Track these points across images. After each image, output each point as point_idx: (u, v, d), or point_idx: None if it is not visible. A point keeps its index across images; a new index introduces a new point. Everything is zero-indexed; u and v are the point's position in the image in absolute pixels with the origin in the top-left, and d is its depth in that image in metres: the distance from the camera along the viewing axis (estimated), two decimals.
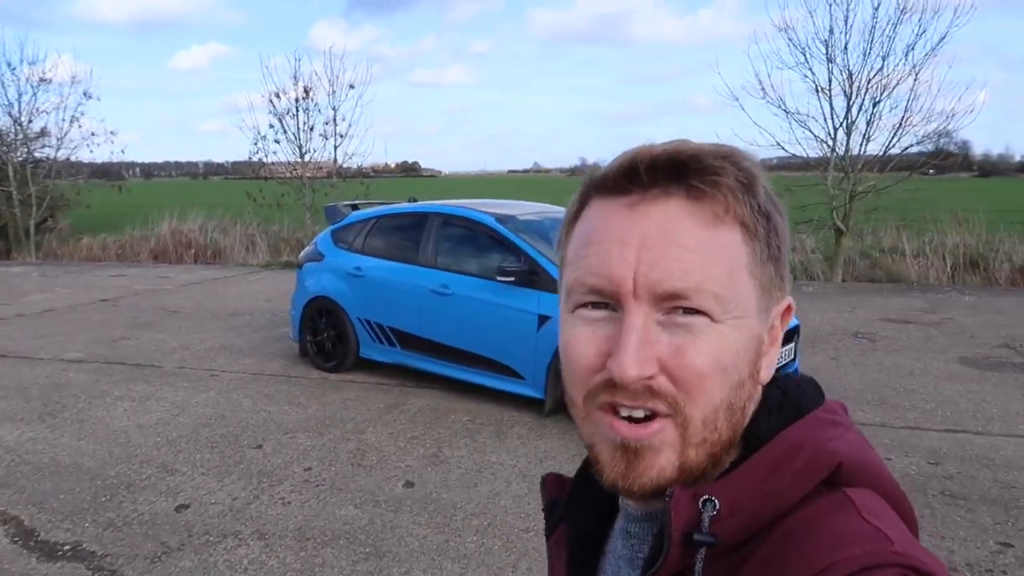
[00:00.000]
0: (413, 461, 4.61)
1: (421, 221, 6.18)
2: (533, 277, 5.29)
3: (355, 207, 7.05)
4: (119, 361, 7.04)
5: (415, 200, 6.96)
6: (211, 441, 4.98)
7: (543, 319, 5.15)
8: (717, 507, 0.58)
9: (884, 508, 0.58)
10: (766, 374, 0.64)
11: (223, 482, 4.33)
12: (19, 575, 3.36)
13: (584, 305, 0.62)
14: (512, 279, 5.27)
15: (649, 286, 0.58)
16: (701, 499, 0.58)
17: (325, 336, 6.56)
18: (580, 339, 0.62)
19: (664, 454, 0.60)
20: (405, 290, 5.95)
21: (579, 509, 0.76)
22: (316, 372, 6.57)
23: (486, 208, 6.08)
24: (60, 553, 3.55)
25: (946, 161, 13.17)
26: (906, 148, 12.06)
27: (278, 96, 15.65)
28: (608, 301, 0.60)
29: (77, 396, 5.96)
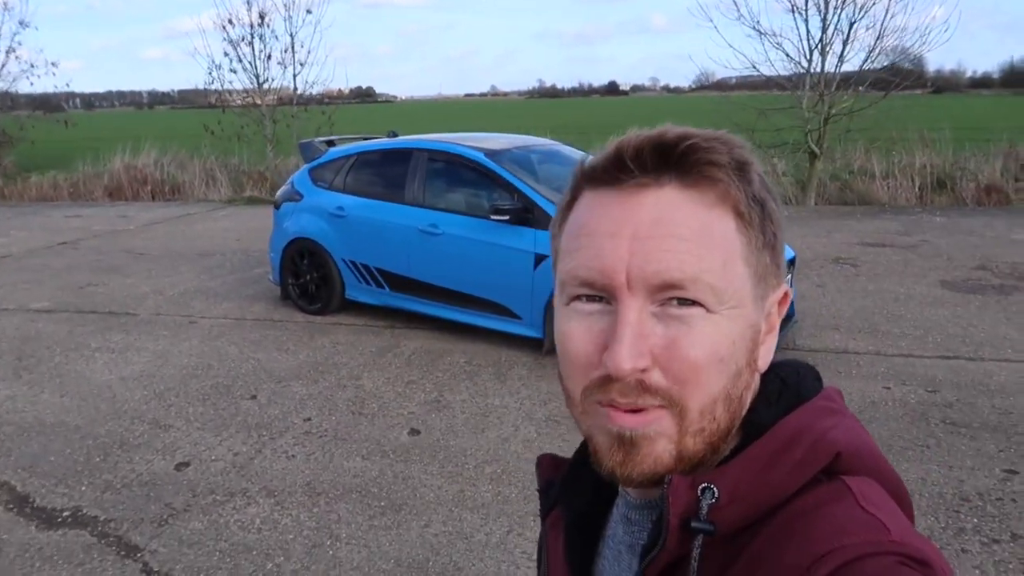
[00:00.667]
0: (415, 407, 4.52)
1: (405, 158, 5.93)
2: (527, 215, 5.13)
3: (331, 143, 6.74)
4: (90, 309, 6.76)
5: (395, 135, 6.68)
6: (201, 393, 4.82)
7: (539, 258, 5.02)
8: (716, 495, 0.58)
9: (882, 497, 0.57)
10: (764, 362, 0.64)
11: (221, 437, 4.20)
12: (19, 545, 3.23)
13: (578, 298, 0.61)
14: (506, 217, 5.10)
15: (643, 278, 0.57)
16: (700, 487, 0.58)
17: (308, 278, 6.35)
18: (575, 334, 0.61)
19: (660, 443, 0.59)
20: (392, 230, 5.75)
21: (576, 492, 0.76)
22: (301, 315, 6.39)
23: (472, 143, 5.84)
24: (59, 520, 3.42)
25: (917, 80, 13.13)
26: (881, 67, 11.97)
27: (231, 23, 14.84)
28: (602, 294, 0.60)
29: (51, 349, 5.71)
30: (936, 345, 5.30)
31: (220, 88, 15.60)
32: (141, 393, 4.84)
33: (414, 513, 3.39)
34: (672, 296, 0.58)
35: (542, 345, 5.20)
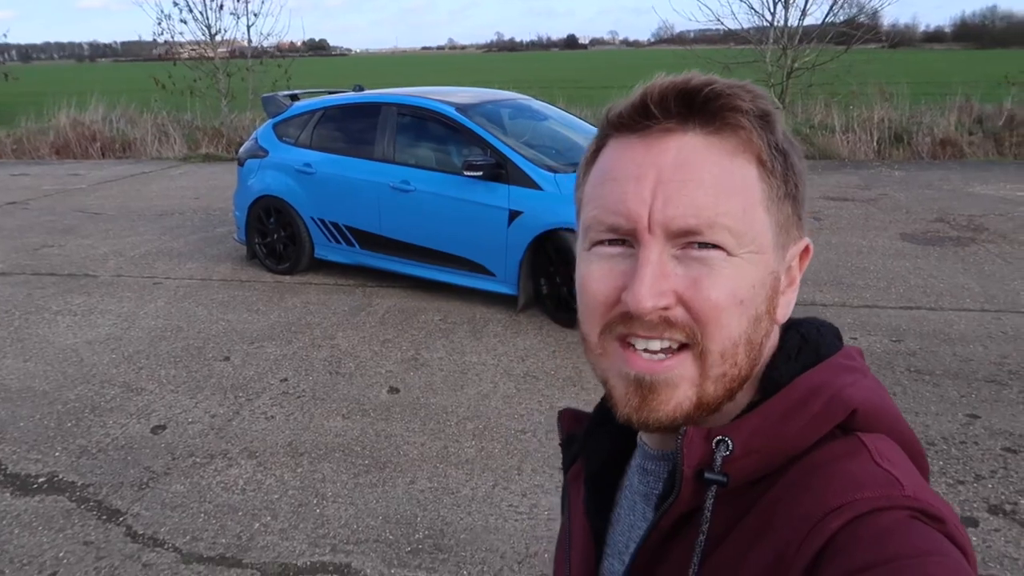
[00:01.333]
0: (392, 366, 4.51)
1: (374, 113, 5.80)
2: (500, 171, 5.08)
3: (295, 98, 6.56)
4: (48, 272, 6.56)
5: (361, 89, 6.53)
6: (172, 355, 4.73)
7: (514, 214, 4.99)
8: (730, 447, 0.59)
9: (897, 453, 0.58)
10: (783, 313, 0.65)
11: (196, 399, 4.14)
12: None
13: (601, 242, 0.62)
14: (479, 173, 5.05)
15: (664, 221, 0.58)
16: (715, 439, 0.59)
17: (276, 237, 6.23)
18: (596, 275, 0.62)
19: (681, 388, 0.60)
20: (362, 187, 5.66)
21: (597, 445, 0.77)
22: (269, 275, 6.29)
23: (441, 97, 5.74)
24: (35, 486, 3.36)
25: (873, 34, 13.25)
26: (842, 21, 12.04)
27: None
28: (625, 238, 0.61)
29: (11, 312, 5.54)
30: (899, 296, 5.45)
31: (170, 40, 15.01)
32: (109, 356, 4.73)
33: (399, 470, 3.41)
34: (692, 240, 0.59)
35: (516, 302, 5.21)
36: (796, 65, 11.86)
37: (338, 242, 5.96)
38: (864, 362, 0.65)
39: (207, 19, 14.69)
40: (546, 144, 5.68)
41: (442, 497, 3.20)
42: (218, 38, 14.94)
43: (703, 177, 0.59)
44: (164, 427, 3.85)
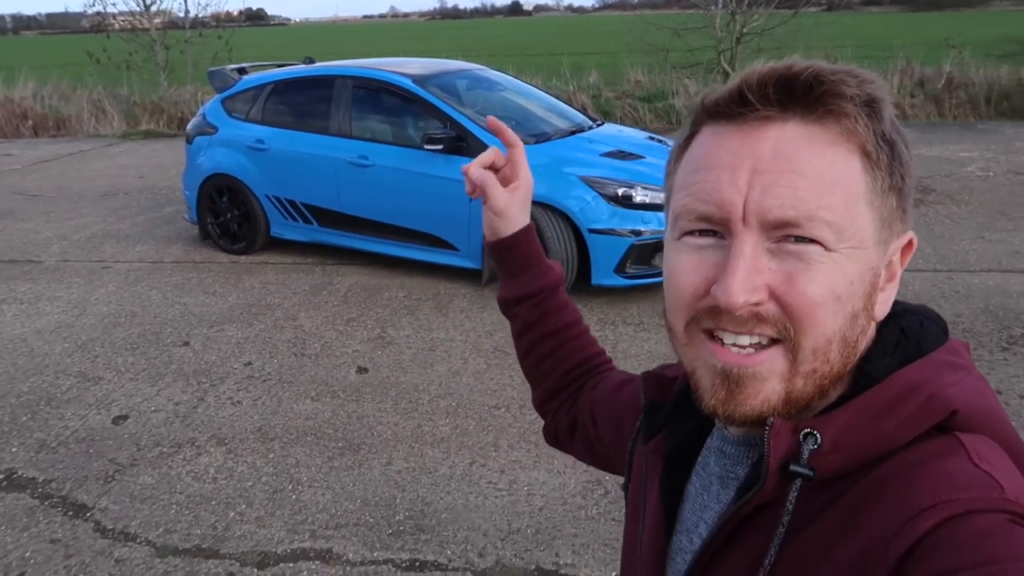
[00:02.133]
0: (359, 345, 4.44)
1: (328, 86, 5.64)
2: (461, 143, 5.01)
3: (243, 71, 6.34)
4: None
5: (312, 61, 6.34)
6: (129, 342, 4.58)
7: None
8: (819, 441, 0.57)
9: (999, 455, 0.55)
10: (881, 310, 0.62)
11: (158, 386, 4.03)
12: None
13: (691, 232, 0.60)
14: (440, 147, 4.97)
15: (760, 213, 0.56)
16: (802, 432, 0.58)
17: (229, 216, 6.06)
18: (686, 265, 0.60)
19: (770, 383, 0.59)
20: (319, 163, 5.51)
21: (681, 422, 0.75)
22: (224, 256, 6.12)
23: (395, 68, 5.61)
24: None
25: None
26: None
27: None
28: (717, 228, 0.59)
29: None
30: None
31: (102, 11, 14.35)
32: (62, 346, 4.56)
33: (374, 452, 3.37)
34: (788, 233, 0.56)
35: (480, 276, 5.17)
36: (745, 30, 11.92)
37: (295, 220, 5.82)
38: (970, 358, 0.62)
39: None
40: (504, 115, 5.61)
41: (420, 477, 3.18)
42: (153, 8, 14.35)
43: (803, 168, 0.56)
44: (126, 417, 3.73)
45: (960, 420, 0.56)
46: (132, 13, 14.50)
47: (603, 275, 4.68)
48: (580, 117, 6.02)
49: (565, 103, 6.53)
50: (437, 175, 5.06)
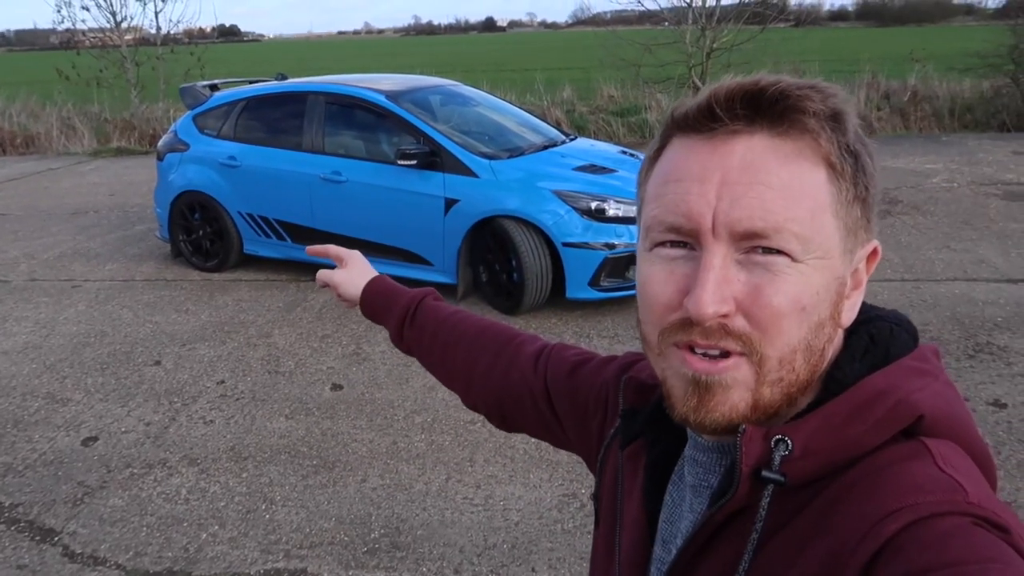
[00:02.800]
0: (333, 362, 4.42)
1: (300, 102, 5.63)
2: (434, 159, 5.01)
3: (215, 88, 6.31)
4: None
5: (285, 78, 6.33)
6: (99, 362, 4.52)
7: (450, 203, 4.94)
8: (790, 447, 0.58)
9: (963, 459, 0.57)
10: (847, 317, 0.63)
11: (128, 407, 3.97)
12: None
13: (662, 243, 0.62)
14: (413, 162, 4.97)
15: (728, 224, 0.57)
16: (773, 438, 0.58)
17: (201, 234, 6.00)
18: (657, 277, 0.62)
19: (736, 391, 0.60)
20: (292, 179, 5.49)
21: (659, 435, 0.76)
22: (196, 273, 6.06)
23: (369, 84, 5.62)
24: None
25: (782, 14, 13.65)
26: (754, 1, 12.34)
27: None
28: (687, 239, 0.60)
29: None
30: None
31: (72, 27, 14.20)
32: (29, 367, 4.48)
33: (348, 469, 3.35)
34: (756, 244, 0.58)
35: (456, 291, 5.17)
36: (715, 45, 12.10)
37: (268, 236, 5.78)
38: (939, 363, 0.63)
39: (111, 5, 13.96)
40: (478, 130, 5.64)
41: (395, 494, 3.16)
42: (124, 25, 14.23)
43: (771, 180, 0.57)
44: (96, 438, 3.67)
45: (927, 425, 0.58)
46: (102, 30, 14.37)
47: (577, 288, 4.70)
48: (553, 132, 6.06)
49: (539, 118, 6.57)
50: (410, 190, 5.07)
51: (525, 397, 1.01)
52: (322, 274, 1.24)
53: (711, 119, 0.59)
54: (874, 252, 0.66)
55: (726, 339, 0.59)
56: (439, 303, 1.16)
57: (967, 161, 9.41)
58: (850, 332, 0.64)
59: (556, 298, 4.87)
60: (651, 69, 12.51)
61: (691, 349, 0.60)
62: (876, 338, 0.64)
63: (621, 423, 0.79)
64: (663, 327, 0.62)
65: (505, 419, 1.07)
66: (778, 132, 0.58)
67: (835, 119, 0.59)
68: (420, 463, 3.38)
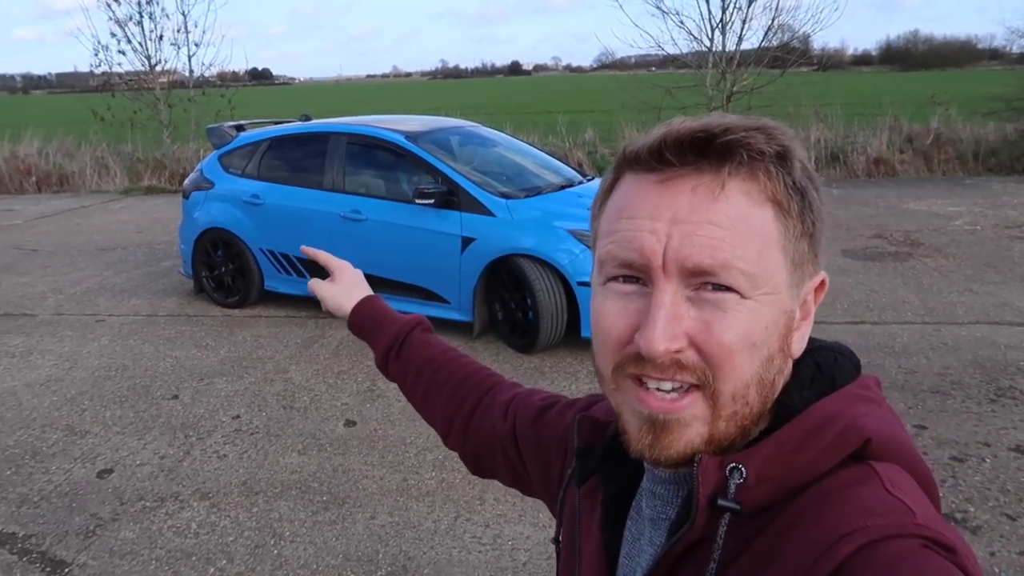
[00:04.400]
0: (348, 398, 4.44)
1: (322, 142, 5.76)
2: (452, 198, 5.08)
3: (241, 128, 6.47)
4: None
5: (309, 118, 6.48)
6: (118, 395, 4.58)
7: (467, 241, 5.00)
8: (744, 475, 0.59)
9: (909, 483, 0.59)
10: (797, 348, 0.65)
11: (144, 440, 4.01)
12: None
13: (615, 278, 0.63)
14: (431, 201, 5.04)
15: (678, 261, 0.59)
16: (728, 467, 0.60)
17: (223, 270, 6.11)
18: (610, 312, 0.63)
19: (693, 427, 0.61)
20: (312, 217, 5.59)
21: (616, 468, 0.76)
22: (217, 309, 6.15)
23: (390, 125, 5.74)
24: None
25: (805, 58, 13.75)
26: (776, 46, 12.46)
27: (116, 0, 13.96)
28: (639, 275, 0.61)
29: None
30: (843, 311, 5.60)
31: (108, 71, 14.68)
32: (50, 399, 4.55)
33: (358, 505, 3.34)
34: (706, 281, 0.59)
35: (472, 329, 5.20)
36: (735, 89, 12.20)
37: (288, 273, 5.87)
38: (880, 392, 0.66)
39: (146, 50, 14.43)
40: (496, 170, 5.71)
41: (404, 531, 3.15)
42: (158, 68, 14.68)
43: (719, 219, 0.59)
44: (111, 471, 3.71)
45: (873, 449, 0.59)
46: (137, 73, 14.83)
47: None
48: (570, 172, 6.13)
49: (558, 159, 6.65)
50: (428, 228, 5.13)
51: (495, 444, 1.02)
52: (313, 284, 1.27)
53: (660, 160, 0.61)
54: (822, 284, 0.68)
55: (681, 372, 0.60)
56: (427, 336, 1.16)
57: (991, 204, 9.33)
58: (797, 361, 0.66)
59: (571, 337, 4.87)
60: (672, 112, 12.62)
61: (643, 383, 0.62)
62: (822, 366, 0.66)
63: (576, 461, 0.80)
64: (617, 361, 0.63)
65: (479, 465, 1.08)
66: (726, 172, 0.60)
67: (781, 158, 0.61)
68: (430, 500, 3.36)
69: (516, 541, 3.04)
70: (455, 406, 1.07)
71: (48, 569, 2.98)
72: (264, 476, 3.61)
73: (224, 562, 2.98)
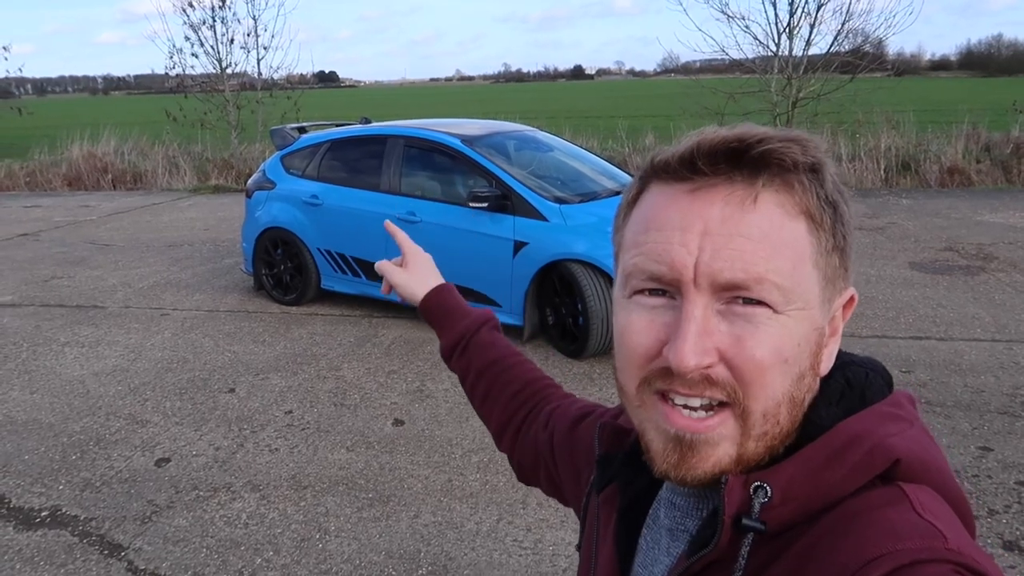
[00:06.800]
0: (397, 398, 4.49)
1: (380, 144, 5.85)
2: (506, 202, 5.10)
3: (303, 130, 6.63)
4: (57, 303, 6.59)
5: (368, 121, 6.59)
6: (178, 387, 4.73)
7: (519, 245, 5.00)
8: (769, 494, 0.58)
9: (940, 505, 0.57)
10: (826, 366, 0.63)
11: (201, 431, 4.13)
12: None
13: (642, 291, 0.61)
14: (485, 204, 5.07)
15: (710, 275, 0.57)
16: (752, 485, 0.58)
17: (282, 268, 6.26)
18: (637, 326, 0.61)
19: (722, 447, 0.60)
20: (368, 218, 5.68)
21: (632, 478, 0.75)
22: (275, 306, 6.30)
23: (447, 129, 5.79)
24: (38, 520, 3.34)
25: (879, 63, 13.33)
26: (846, 51, 12.13)
27: (192, 5, 14.48)
28: (667, 288, 0.60)
29: (19, 344, 5.56)
30: (908, 326, 5.41)
31: (182, 73, 15.23)
32: (115, 388, 4.74)
33: (403, 504, 3.38)
34: (737, 295, 0.57)
35: (522, 332, 5.20)
36: (801, 95, 11.92)
37: (344, 273, 5.98)
38: (914, 410, 0.64)
39: (218, 53, 14.91)
40: (551, 175, 5.71)
41: (446, 531, 3.16)
42: (228, 71, 15.15)
43: (751, 232, 0.57)
44: (168, 460, 3.83)
45: (903, 470, 0.58)
46: (209, 75, 15.33)
47: None
48: (627, 177, 6.07)
49: (616, 165, 6.60)
50: (481, 232, 5.16)
51: (537, 454, 1.03)
52: (382, 266, 1.22)
53: (691, 170, 0.60)
54: (851, 300, 0.66)
55: (711, 388, 0.58)
56: (493, 335, 1.15)
57: None
58: (826, 376, 0.64)
59: None
60: (735, 117, 12.40)
61: (667, 398, 0.60)
62: (852, 382, 0.64)
63: (596, 469, 0.79)
64: (643, 376, 0.61)
65: (524, 473, 1.09)
66: (759, 184, 0.59)
67: (814, 171, 0.60)
68: (473, 502, 3.37)
69: (557, 547, 3.02)
70: (510, 413, 1.08)
71: (106, 552, 3.09)
72: (313, 471, 3.68)
73: (271, 553, 3.04)
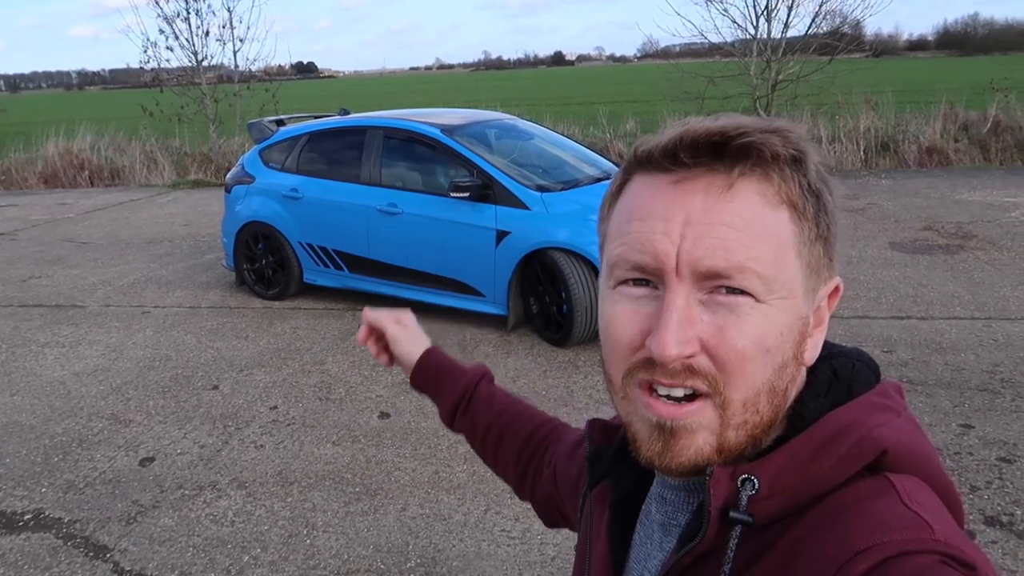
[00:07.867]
0: (383, 391, 4.48)
1: (359, 136, 5.80)
2: (487, 191, 5.08)
3: (281, 123, 6.56)
4: (36, 303, 6.51)
5: (347, 113, 6.53)
6: (161, 385, 4.69)
7: (501, 234, 4.98)
8: (756, 486, 0.58)
9: (928, 495, 0.57)
10: (810, 356, 0.63)
11: (185, 429, 4.10)
12: None
13: (626, 282, 0.61)
14: (466, 194, 5.05)
15: (691, 263, 0.57)
16: (740, 478, 0.58)
17: (264, 263, 6.21)
18: (622, 317, 0.61)
19: (701, 435, 0.60)
20: (350, 211, 5.64)
21: (625, 471, 0.75)
22: (258, 301, 6.26)
23: (427, 119, 5.75)
24: (21, 523, 3.31)
25: (857, 44, 13.38)
26: (824, 33, 12.15)
27: None
28: (650, 278, 0.60)
29: None
30: (889, 306, 5.45)
31: (157, 67, 15.00)
32: (97, 388, 4.69)
33: (390, 497, 3.37)
34: (719, 284, 0.57)
35: (506, 322, 5.19)
36: (781, 77, 11.94)
37: (327, 266, 5.94)
38: (902, 400, 0.63)
39: (193, 46, 14.70)
40: (532, 163, 5.69)
41: (434, 523, 3.16)
42: (205, 64, 14.95)
43: (733, 220, 0.57)
44: (152, 459, 3.80)
45: (890, 460, 0.58)
46: (184, 69, 15.12)
47: None
48: (608, 164, 6.06)
49: (598, 152, 6.59)
50: (463, 222, 5.13)
51: (548, 494, 1.03)
52: (372, 316, 1.21)
53: (674, 162, 0.60)
54: (836, 289, 0.66)
55: (692, 378, 0.58)
56: (491, 389, 1.14)
57: None
58: (813, 367, 0.64)
59: None
60: (716, 102, 12.41)
61: (652, 390, 0.60)
62: (839, 373, 0.64)
63: (587, 466, 0.79)
64: (627, 367, 0.61)
65: (546, 517, 1.09)
66: (741, 173, 0.59)
67: (797, 160, 0.60)
68: (460, 493, 3.37)
69: (545, 535, 3.03)
70: (523, 465, 1.08)
71: (91, 554, 3.07)
72: (299, 466, 3.66)
73: (258, 550, 3.03)
